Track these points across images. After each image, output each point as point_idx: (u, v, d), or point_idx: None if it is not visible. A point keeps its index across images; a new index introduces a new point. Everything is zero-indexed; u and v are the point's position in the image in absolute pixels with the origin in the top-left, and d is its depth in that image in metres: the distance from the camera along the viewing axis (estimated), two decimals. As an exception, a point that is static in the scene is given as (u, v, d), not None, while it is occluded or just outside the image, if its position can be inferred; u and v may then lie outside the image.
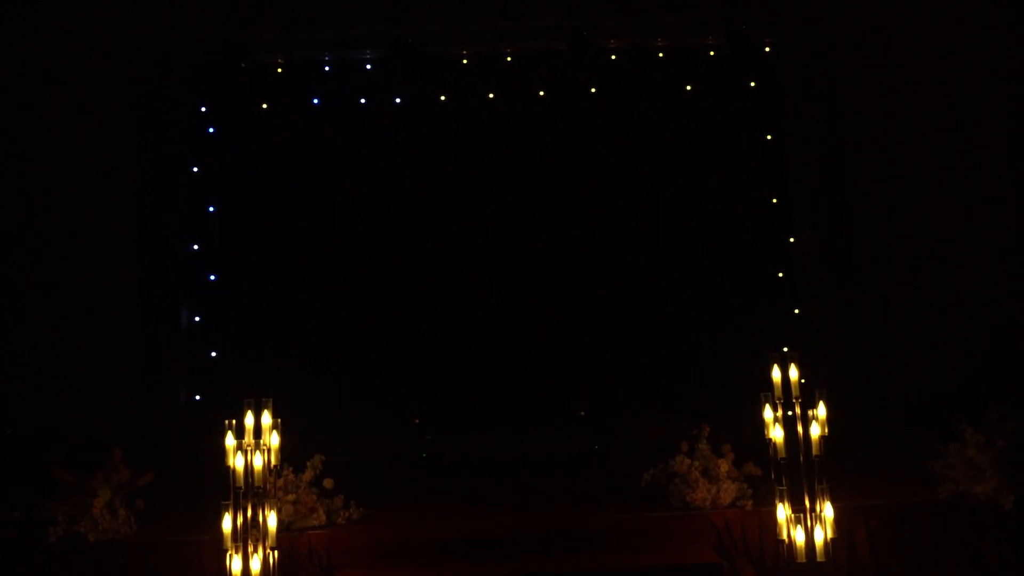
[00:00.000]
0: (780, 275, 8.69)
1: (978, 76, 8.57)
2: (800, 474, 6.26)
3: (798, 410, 6.34)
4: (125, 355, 8.15)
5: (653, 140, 8.72)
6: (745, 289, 8.58)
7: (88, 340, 8.14)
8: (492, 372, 8.47)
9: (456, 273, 8.59)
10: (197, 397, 8.30)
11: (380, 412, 8.31)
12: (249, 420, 6.29)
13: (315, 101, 8.73)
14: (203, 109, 8.67)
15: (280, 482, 6.70)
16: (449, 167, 8.69)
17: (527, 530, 6.65)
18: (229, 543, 6.04)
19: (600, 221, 8.65)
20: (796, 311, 8.56)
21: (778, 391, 6.41)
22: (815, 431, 6.25)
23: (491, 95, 8.80)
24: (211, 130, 8.66)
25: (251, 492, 6.16)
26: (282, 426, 6.44)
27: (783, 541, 6.23)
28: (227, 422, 6.27)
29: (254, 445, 6.25)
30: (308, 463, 6.91)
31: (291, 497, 6.70)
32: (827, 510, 6.19)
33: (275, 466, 6.42)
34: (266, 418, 6.35)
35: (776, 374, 6.42)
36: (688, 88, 8.85)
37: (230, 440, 6.22)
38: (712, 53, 8.83)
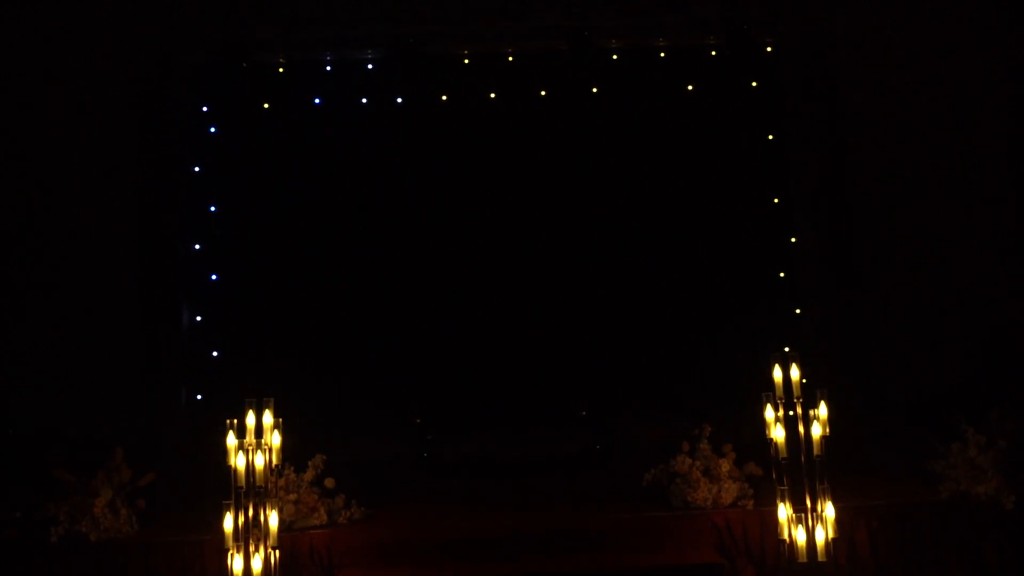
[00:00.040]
0: (781, 275, 8.70)
1: (978, 76, 8.58)
2: (801, 474, 6.26)
3: (799, 410, 6.34)
4: (126, 355, 8.15)
5: (654, 140, 8.73)
6: (746, 289, 8.58)
7: (89, 340, 8.14)
8: (492, 372, 8.48)
9: (456, 273, 8.59)
10: (198, 397, 8.30)
11: (381, 412, 8.31)
12: (250, 420, 6.29)
13: (316, 101, 8.73)
14: (204, 109, 8.67)
15: (281, 482, 6.69)
16: (450, 167, 8.69)
17: (527, 530, 6.65)
18: (230, 542, 6.04)
19: (600, 221, 8.65)
20: (797, 311, 8.57)
21: (779, 391, 6.41)
22: (816, 431, 6.26)
23: (492, 95, 8.80)
24: (212, 130, 8.65)
25: (252, 492, 6.16)
26: (283, 426, 6.44)
27: (784, 541, 6.23)
28: (228, 422, 6.27)
29: (255, 445, 6.25)
30: (310, 462, 6.91)
31: (292, 496, 6.71)
32: (828, 510, 6.19)
33: (276, 465, 6.42)
34: (267, 418, 6.35)
35: (777, 374, 6.43)
36: (689, 88, 8.85)
37: (231, 440, 6.22)
38: (713, 53, 8.84)
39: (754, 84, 8.86)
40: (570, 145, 8.69)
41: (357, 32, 8.59)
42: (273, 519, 6.17)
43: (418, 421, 8.38)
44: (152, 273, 8.31)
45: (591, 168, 8.68)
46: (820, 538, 6.16)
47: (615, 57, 8.83)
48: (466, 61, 8.79)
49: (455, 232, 8.63)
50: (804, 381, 6.43)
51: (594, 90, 8.78)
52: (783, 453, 6.29)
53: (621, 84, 8.79)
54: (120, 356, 8.14)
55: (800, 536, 6.19)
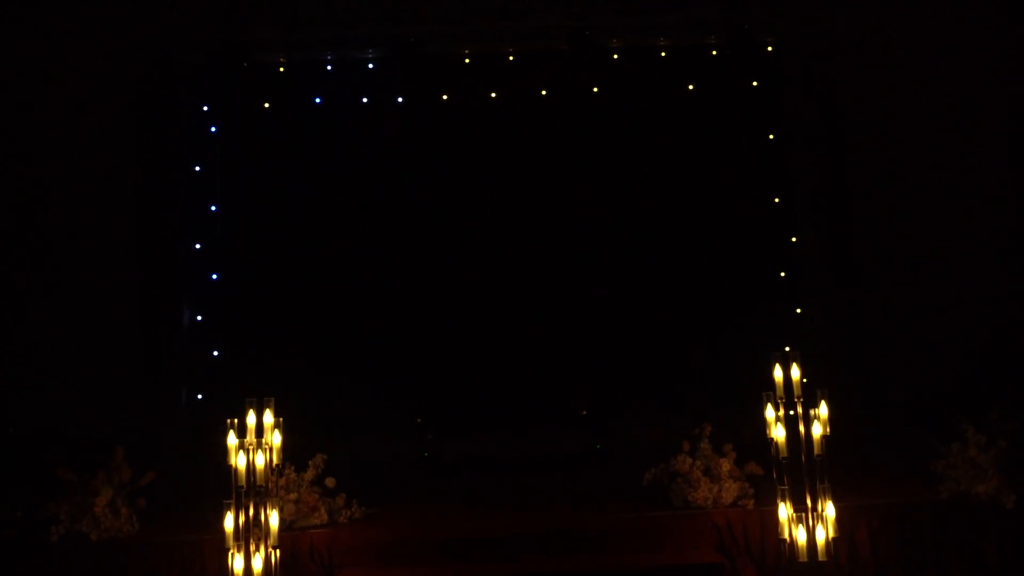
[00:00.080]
0: (781, 275, 8.70)
1: (978, 76, 8.58)
2: (802, 473, 6.26)
3: (800, 409, 6.34)
4: (126, 355, 8.16)
5: (654, 140, 8.73)
6: (746, 289, 8.59)
7: (89, 340, 8.15)
8: (493, 372, 8.48)
9: (456, 273, 8.60)
10: (199, 396, 8.31)
11: (381, 412, 8.31)
12: (251, 419, 6.29)
13: (316, 101, 8.74)
14: (204, 109, 8.67)
15: (282, 481, 6.70)
16: (450, 167, 8.70)
17: (527, 530, 6.64)
18: (231, 542, 6.03)
19: (600, 221, 8.65)
20: (797, 311, 8.57)
21: (780, 390, 6.41)
22: (817, 431, 6.26)
23: (492, 95, 8.81)
24: (212, 130, 8.66)
25: (253, 491, 6.16)
26: (283, 425, 6.43)
27: (785, 540, 6.23)
28: (229, 421, 6.26)
29: (256, 444, 6.25)
30: (310, 462, 6.90)
31: (293, 496, 6.70)
32: (829, 509, 6.19)
33: (277, 465, 6.42)
34: (268, 417, 6.35)
35: (778, 373, 6.42)
36: (689, 88, 8.85)
37: (232, 439, 6.21)
38: (713, 53, 8.85)
39: (754, 84, 8.87)
40: (570, 145, 8.70)
41: (357, 32, 8.60)
42: (273, 518, 6.17)
43: (418, 421, 8.38)
44: (152, 273, 8.32)
45: (591, 168, 8.68)
46: (820, 538, 6.15)
47: (615, 57, 8.83)
48: (466, 61, 8.80)
49: (455, 232, 8.64)
50: (804, 381, 6.42)
51: (594, 90, 8.79)
52: (783, 453, 6.28)
53: (621, 84, 8.80)
54: (120, 356, 8.14)
55: (800, 536, 6.19)
